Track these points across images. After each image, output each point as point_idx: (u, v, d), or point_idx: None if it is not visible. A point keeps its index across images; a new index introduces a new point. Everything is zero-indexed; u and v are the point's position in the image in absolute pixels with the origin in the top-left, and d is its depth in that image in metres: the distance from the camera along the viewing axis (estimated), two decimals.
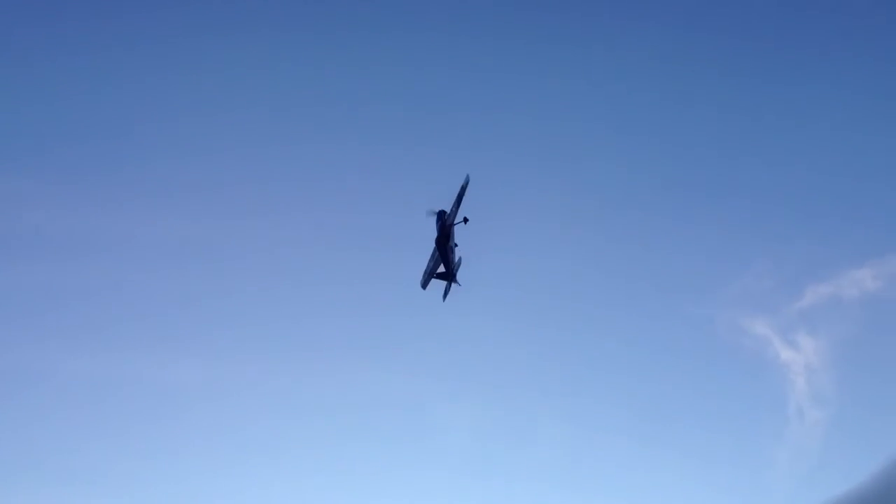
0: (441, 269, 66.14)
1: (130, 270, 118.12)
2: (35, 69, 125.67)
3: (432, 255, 66.07)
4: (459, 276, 66.38)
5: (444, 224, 64.14)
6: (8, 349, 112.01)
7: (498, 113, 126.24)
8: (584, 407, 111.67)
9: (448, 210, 64.53)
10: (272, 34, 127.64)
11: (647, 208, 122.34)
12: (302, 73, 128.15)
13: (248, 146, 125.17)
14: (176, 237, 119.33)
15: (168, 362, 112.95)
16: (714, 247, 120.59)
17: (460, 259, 66.29)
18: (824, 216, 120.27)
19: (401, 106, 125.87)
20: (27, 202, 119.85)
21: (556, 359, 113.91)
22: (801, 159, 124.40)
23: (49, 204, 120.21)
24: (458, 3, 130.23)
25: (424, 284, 66.72)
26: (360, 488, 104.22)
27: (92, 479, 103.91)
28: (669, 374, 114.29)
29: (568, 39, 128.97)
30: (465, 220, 64.04)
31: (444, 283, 67.58)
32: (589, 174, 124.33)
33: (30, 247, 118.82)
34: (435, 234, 65.44)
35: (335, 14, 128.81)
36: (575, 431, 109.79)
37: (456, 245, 65.60)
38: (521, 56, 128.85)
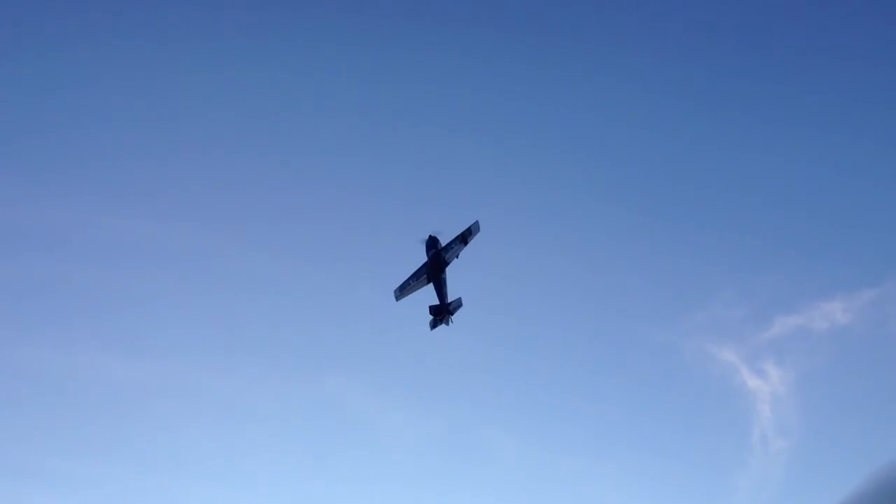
0: (436, 301, 66.24)
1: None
2: None
3: (415, 274, 65.94)
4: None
5: (438, 252, 64.39)
6: None
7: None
8: (545, 430, 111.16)
9: (438, 237, 64.91)
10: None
11: (613, 233, 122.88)
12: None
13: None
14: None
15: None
16: (682, 273, 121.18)
17: (461, 300, 65.79)
18: (797, 247, 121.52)
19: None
20: None
21: (518, 382, 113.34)
22: (776, 189, 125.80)
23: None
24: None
25: (398, 294, 66.39)
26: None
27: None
28: (633, 399, 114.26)
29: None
30: (458, 255, 64.71)
31: (420, 297, 67.67)
32: (556, 198, 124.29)
33: None
34: (423, 255, 65.81)
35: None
36: (534, 453, 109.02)
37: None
38: None
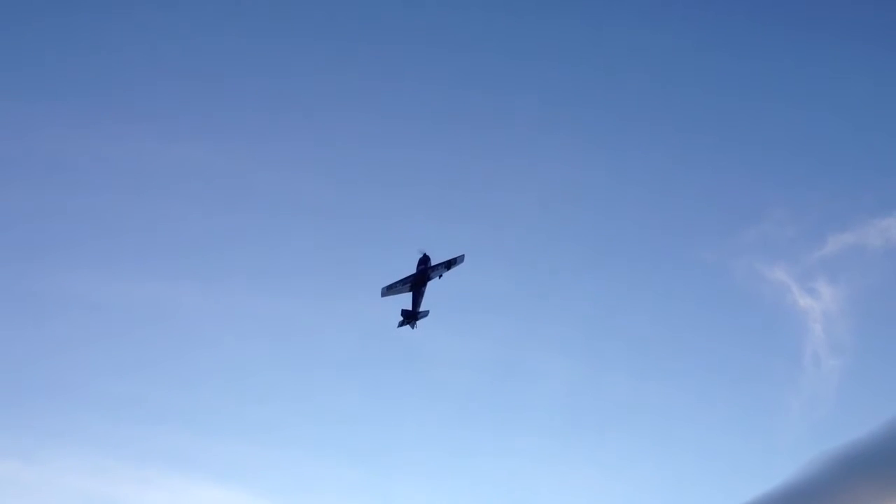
0: (409, 306, 76.98)
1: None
2: None
3: (402, 280, 75.59)
4: (419, 324, 77.70)
5: (426, 270, 74.74)
6: None
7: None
8: (597, 351, 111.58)
9: (429, 256, 74.98)
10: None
11: (662, 151, 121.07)
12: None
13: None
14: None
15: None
16: (732, 191, 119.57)
17: (427, 312, 76.75)
18: (850, 163, 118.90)
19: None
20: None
21: (567, 304, 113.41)
22: (828, 104, 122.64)
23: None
24: None
25: (385, 292, 76.11)
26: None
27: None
28: (683, 319, 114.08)
29: None
30: (440, 276, 74.98)
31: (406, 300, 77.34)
32: (601, 116, 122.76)
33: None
34: (413, 266, 75.82)
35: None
36: (587, 374, 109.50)
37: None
38: None
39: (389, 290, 75.63)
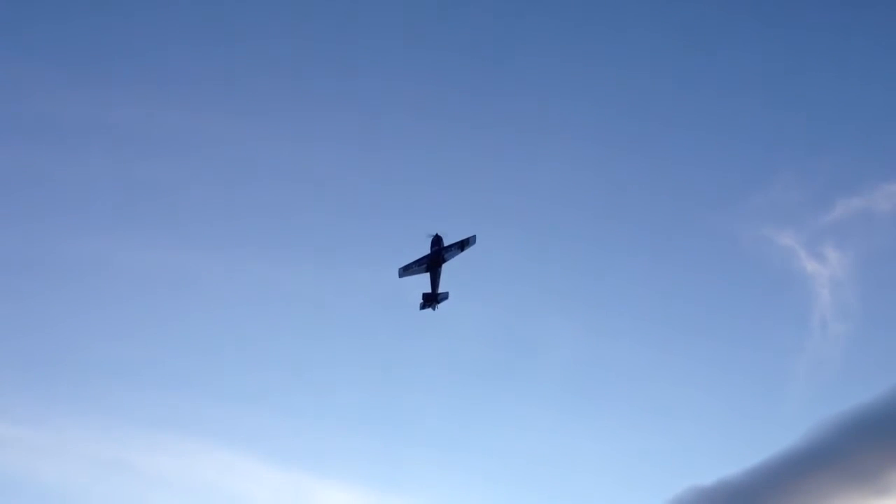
0: (428, 289, 77.77)
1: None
2: None
3: (419, 261, 76.39)
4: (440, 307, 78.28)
5: (441, 251, 75.51)
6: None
7: None
8: (602, 317, 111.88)
9: (443, 238, 75.58)
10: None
11: (669, 115, 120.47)
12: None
13: None
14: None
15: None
16: (739, 155, 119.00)
17: (447, 294, 77.31)
18: (859, 127, 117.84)
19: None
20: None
21: (574, 270, 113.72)
22: (838, 66, 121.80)
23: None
24: None
25: (402, 272, 77.10)
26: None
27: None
28: (690, 284, 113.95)
29: None
30: (445, 261, 75.92)
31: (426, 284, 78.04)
32: (607, 78, 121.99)
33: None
34: (426, 249, 76.62)
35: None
36: (594, 341, 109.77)
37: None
38: None
39: (406, 270, 76.61)
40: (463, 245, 75.62)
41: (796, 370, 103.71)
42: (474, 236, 76.07)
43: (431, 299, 77.38)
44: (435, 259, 75.96)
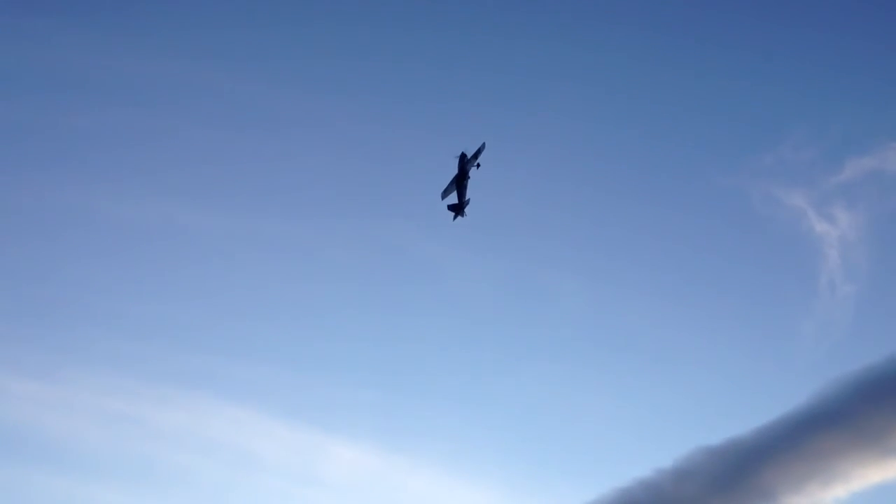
0: (455, 200, 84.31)
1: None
2: None
3: (451, 183, 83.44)
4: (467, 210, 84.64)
5: (463, 165, 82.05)
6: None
7: None
8: (610, 273, 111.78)
9: (468, 154, 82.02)
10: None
11: (675, 69, 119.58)
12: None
13: None
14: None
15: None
16: (748, 113, 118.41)
17: (469, 199, 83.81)
18: (871, 84, 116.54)
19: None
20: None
21: (581, 225, 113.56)
22: (848, 20, 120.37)
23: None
24: None
25: (443, 196, 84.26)
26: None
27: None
28: (699, 243, 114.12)
29: None
30: (478, 165, 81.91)
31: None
32: (613, 34, 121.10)
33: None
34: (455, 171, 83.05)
35: None
36: (601, 296, 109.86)
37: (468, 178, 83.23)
38: None
39: (445, 193, 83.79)
40: (477, 154, 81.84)
41: (804, 330, 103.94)
42: (483, 144, 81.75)
43: (459, 208, 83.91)
44: (461, 174, 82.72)
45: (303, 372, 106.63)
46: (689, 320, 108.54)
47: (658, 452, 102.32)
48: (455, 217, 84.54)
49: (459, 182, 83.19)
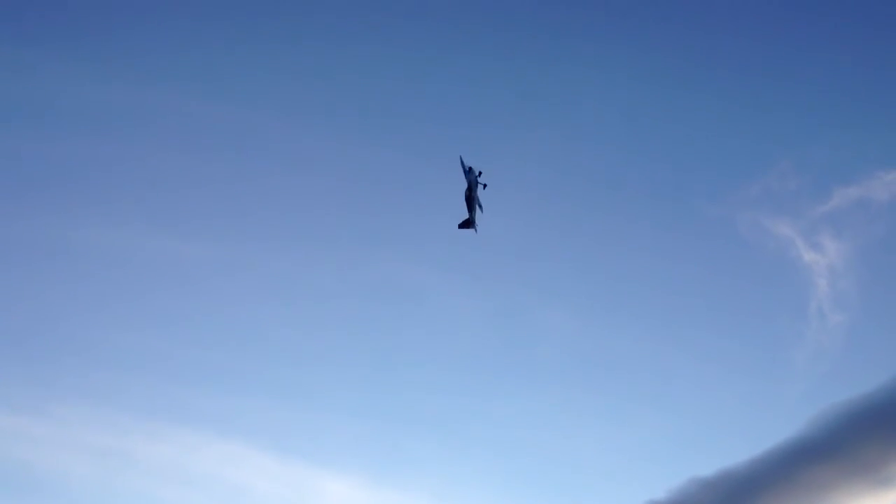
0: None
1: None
2: None
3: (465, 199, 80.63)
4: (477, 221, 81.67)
5: (470, 184, 79.51)
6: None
7: None
8: (601, 304, 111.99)
9: (474, 169, 79.30)
10: None
11: (665, 104, 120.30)
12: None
13: None
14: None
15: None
16: (736, 144, 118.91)
17: (482, 210, 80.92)
18: (856, 115, 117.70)
19: None
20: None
21: (572, 260, 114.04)
22: (835, 55, 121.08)
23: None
24: None
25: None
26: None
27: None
28: (687, 274, 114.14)
29: None
30: (485, 185, 79.38)
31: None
32: (601, 67, 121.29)
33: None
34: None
35: None
36: (591, 327, 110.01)
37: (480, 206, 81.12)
38: None
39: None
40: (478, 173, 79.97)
41: (796, 360, 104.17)
42: (480, 172, 79.99)
43: (470, 223, 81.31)
44: (469, 190, 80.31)
45: (292, 405, 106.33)
46: (679, 351, 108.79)
47: (651, 484, 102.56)
48: (469, 228, 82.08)
49: (469, 197, 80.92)
